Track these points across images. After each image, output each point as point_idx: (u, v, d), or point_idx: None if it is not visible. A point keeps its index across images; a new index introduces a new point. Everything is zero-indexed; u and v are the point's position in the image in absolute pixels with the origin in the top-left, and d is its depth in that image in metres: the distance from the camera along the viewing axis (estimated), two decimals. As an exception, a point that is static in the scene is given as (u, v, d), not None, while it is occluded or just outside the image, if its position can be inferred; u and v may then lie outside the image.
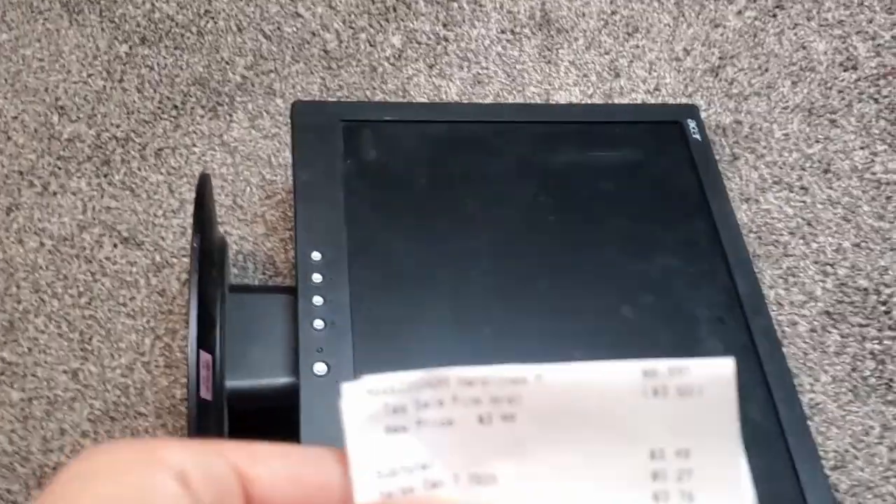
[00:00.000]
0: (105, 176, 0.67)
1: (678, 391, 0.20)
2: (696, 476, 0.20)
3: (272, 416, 0.53)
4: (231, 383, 0.51)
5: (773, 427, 0.53)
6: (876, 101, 0.72)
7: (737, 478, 0.20)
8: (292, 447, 0.22)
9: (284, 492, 0.21)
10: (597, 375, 0.20)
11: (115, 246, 0.64)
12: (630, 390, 0.20)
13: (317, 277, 0.53)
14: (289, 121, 0.62)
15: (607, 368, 0.20)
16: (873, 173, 0.68)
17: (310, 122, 0.61)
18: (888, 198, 0.67)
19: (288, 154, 0.66)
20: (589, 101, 0.72)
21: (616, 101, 0.72)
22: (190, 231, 0.60)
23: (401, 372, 0.21)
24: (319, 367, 0.50)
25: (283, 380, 0.51)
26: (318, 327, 0.52)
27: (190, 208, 0.63)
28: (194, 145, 0.68)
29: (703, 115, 0.67)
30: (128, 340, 0.59)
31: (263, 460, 0.21)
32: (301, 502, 0.21)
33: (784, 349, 0.59)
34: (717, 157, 0.67)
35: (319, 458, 0.22)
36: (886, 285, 0.63)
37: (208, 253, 0.52)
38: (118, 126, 0.69)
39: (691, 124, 0.66)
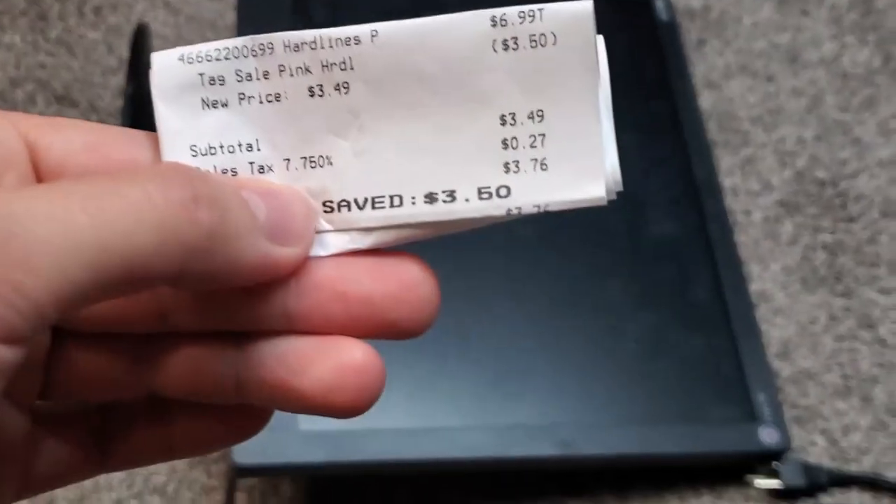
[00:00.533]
0: (41, 31, 0.63)
1: (530, 41, 0.18)
2: (550, 142, 0.18)
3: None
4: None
5: (718, 312, 0.53)
6: (848, -8, 0.70)
7: (595, 142, 0.18)
8: (99, 124, 0.20)
9: (80, 163, 0.19)
10: (440, 27, 0.18)
11: (49, 104, 0.61)
12: (477, 43, 0.18)
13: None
14: (235, -24, 0.59)
15: (451, 19, 0.18)
16: (840, 65, 0.66)
17: (257, -24, 0.57)
18: (853, 91, 0.65)
19: (233, 16, 0.63)
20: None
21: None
22: (125, 84, 0.58)
23: (220, 41, 0.19)
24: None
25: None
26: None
27: (127, 67, 0.60)
28: (136, 3, 0.65)
29: (670, -3, 0.64)
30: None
31: (59, 129, 0.19)
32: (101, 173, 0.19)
33: (736, 237, 0.58)
34: (684, 41, 0.65)
35: (128, 135, 0.20)
36: (844, 178, 0.61)
37: (140, 103, 0.49)
38: (56, -22, 0.65)
39: (659, 4, 0.63)
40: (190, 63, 0.19)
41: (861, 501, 0.51)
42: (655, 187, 0.56)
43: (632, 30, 0.62)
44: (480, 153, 0.18)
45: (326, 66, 0.18)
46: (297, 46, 0.19)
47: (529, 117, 0.18)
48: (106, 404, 0.21)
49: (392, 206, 0.19)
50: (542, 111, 0.18)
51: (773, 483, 0.50)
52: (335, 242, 0.19)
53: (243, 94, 0.19)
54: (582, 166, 0.18)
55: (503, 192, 0.18)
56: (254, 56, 0.19)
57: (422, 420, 0.46)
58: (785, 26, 0.68)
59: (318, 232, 0.19)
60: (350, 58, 0.18)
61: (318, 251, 0.19)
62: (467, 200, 0.18)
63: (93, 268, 0.15)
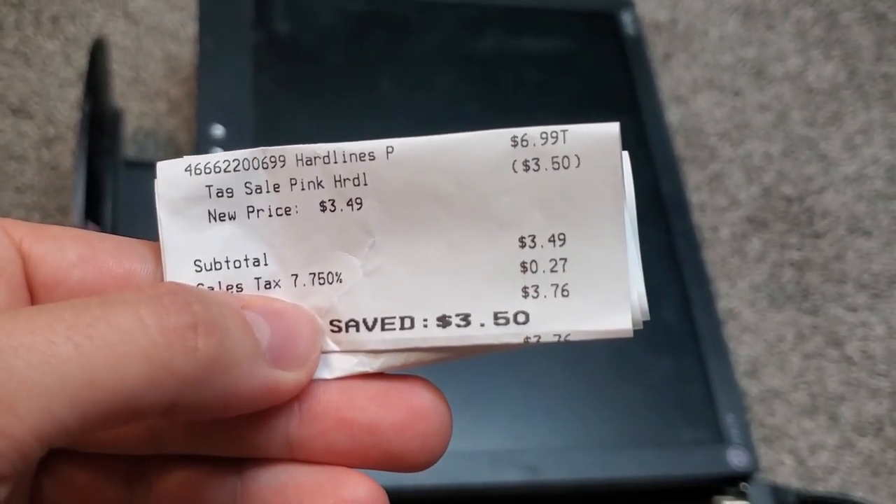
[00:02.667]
0: (-4, 41, 0.62)
1: (552, 162, 0.17)
2: (572, 266, 0.17)
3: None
4: (122, 263, 0.47)
5: (686, 330, 0.52)
6: (813, 6, 0.70)
7: (622, 267, 0.17)
8: (96, 233, 0.19)
9: (74, 276, 0.18)
10: (458, 146, 0.17)
11: (5, 116, 0.59)
12: (497, 163, 0.17)
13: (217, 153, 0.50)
14: (197, -12, 0.58)
15: (470, 137, 0.17)
16: (805, 80, 0.66)
17: (218, -12, 0.56)
18: (819, 106, 0.65)
19: (195, 28, 0.62)
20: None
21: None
22: (82, 101, 0.56)
23: (230, 151, 0.18)
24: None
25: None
26: (217, 206, 0.49)
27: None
28: (94, 13, 0.63)
29: (638, 10, 0.64)
30: (16, 216, 0.55)
31: (54, 239, 0.18)
32: (95, 291, 0.18)
33: (704, 254, 0.57)
34: (650, 55, 0.65)
35: (126, 245, 0.18)
36: (810, 194, 0.61)
37: (100, 121, 0.48)
38: (11, -13, 0.64)
39: (625, 18, 0.63)
40: (198, 174, 0.18)
41: (828, 521, 0.51)
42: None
43: (598, 44, 0.62)
44: (498, 276, 0.17)
45: (339, 181, 0.18)
46: (310, 160, 0.18)
47: (550, 241, 0.17)
48: None
49: (403, 328, 0.18)
50: (563, 235, 0.17)
51: (741, 504, 0.49)
52: (341, 365, 0.18)
53: (252, 206, 0.18)
54: (607, 295, 0.17)
55: (521, 318, 0.17)
56: (264, 168, 0.18)
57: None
58: (750, 40, 0.68)
59: (324, 352, 0.18)
60: (364, 173, 0.18)
61: (323, 373, 0.18)
62: (482, 325, 0.17)
63: (79, 405, 0.14)
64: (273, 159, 0.18)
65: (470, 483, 0.45)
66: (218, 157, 0.18)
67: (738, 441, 0.49)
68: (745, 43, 0.68)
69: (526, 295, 0.17)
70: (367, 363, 0.18)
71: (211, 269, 0.18)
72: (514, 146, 0.17)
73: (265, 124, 0.52)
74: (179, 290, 0.16)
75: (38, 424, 0.14)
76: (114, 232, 0.47)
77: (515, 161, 0.17)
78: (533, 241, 0.17)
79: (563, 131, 0.17)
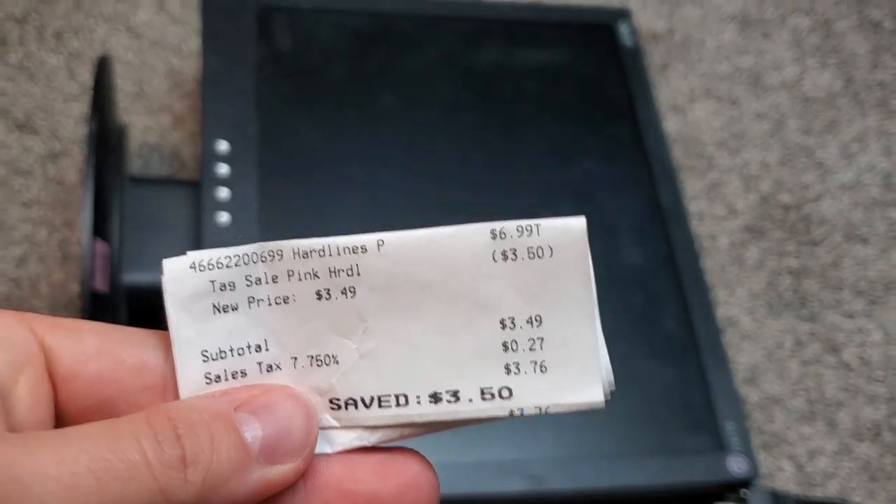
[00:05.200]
0: (0, 57, 0.62)
1: (528, 253, 0.19)
2: (548, 345, 0.19)
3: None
4: (130, 278, 0.48)
5: (686, 338, 0.53)
6: (809, 15, 0.71)
7: (592, 345, 0.19)
8: (110, 325, 0.20)
9: (92, 367, 0.19)
10: (443, 240, 0.19)
11: (10, 131, 0.60)
12: (478, 254, 0.19)
13: (222, 168, 0.50)
14: (199, 3, 0.58)
15: (453, 232, 0.19)
16: (802, 89, 0.67)
17: (221, 4, 0.57)
18: (815, 115, 0.66)
19: (198, 41, 0.62)
20: (518, 0, 0.69)
21: (546, 0, 0.70)
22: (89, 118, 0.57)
23: (230, 247, 0.20)
24: (223, 264, 0.48)
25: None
26: (223, 221, 0.49)
27: (90, 96, 0.59)
28: (97, 28, 0.64)
29: (635, 21, 0.65)
30: (22, 231, 0.56)
31: (72, 332, 0.20)
32: (111, 381, 0.20)
33: (702, 262, 0.58)
34: (647, 65, 0.65)
35: (138, 337, 0.20)
36: (807, 202, 0.62)
37: (106, 138, 0.48)
38: (16, 4, 0.64)
39: (623, 29, 0.64)
40: (201, 271, 0.19)
41: (828, 527, 0.52)
42: (622, 214, 0.56)
43: (595, 55, 0.63)
44: (482, 355, 0.19)
45: (334, 272, 0.19)
46: (306, 253, 0.19)
47: (528, 322, 0.19)
48: None
49: (398, 405, 0.19)
50: (540, 317, 0.19)
51: (741, 511, 0.50)
52: (341, 440, 0.20)
53: (253, 297, 0.20)
54: (580, 370, 0.19)
55: (505, 393, 0.19)
56: (263, 262, 0.19)
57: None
58: (747, 49, 0.69)
59: (324, 428, 0.20)
60: (357, 265, 0.19)
61: (324, 448, 0.20)
62: (471, 401, 0.19)
63: None
64: (271, 253, 0.19)
65: (475, 492, 0.46)
66: (220, 252, 0.19)
67: (738, 448, 0.50)
68: (742, 52, 0.68)
69: (508, 371, 0.19)
70: (366, 437, 0.20)
71: (217, 359, 0.20)
72: (494, 238, 0.19)
73: (269, 139, 0.53)
74: (166, 420, 0.18)
75: None
76: (122, 247, 0.47)
77: (495, 251, 0.19)
78: (513, 322, 0.19)
79: (537, 225, 0.19)
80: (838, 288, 0.59)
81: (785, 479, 0.53)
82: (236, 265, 0.19)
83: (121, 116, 0.58)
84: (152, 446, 0.17)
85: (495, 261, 0.19)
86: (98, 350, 0.19)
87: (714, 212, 0.61)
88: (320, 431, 0.20)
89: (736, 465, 0.49)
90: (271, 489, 0.18)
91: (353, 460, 0.19)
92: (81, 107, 0.61)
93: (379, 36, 0.60)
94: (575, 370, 0.19)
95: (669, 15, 0.70)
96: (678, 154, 0.63)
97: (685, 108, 0.66)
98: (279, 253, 0.19)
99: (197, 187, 0.51)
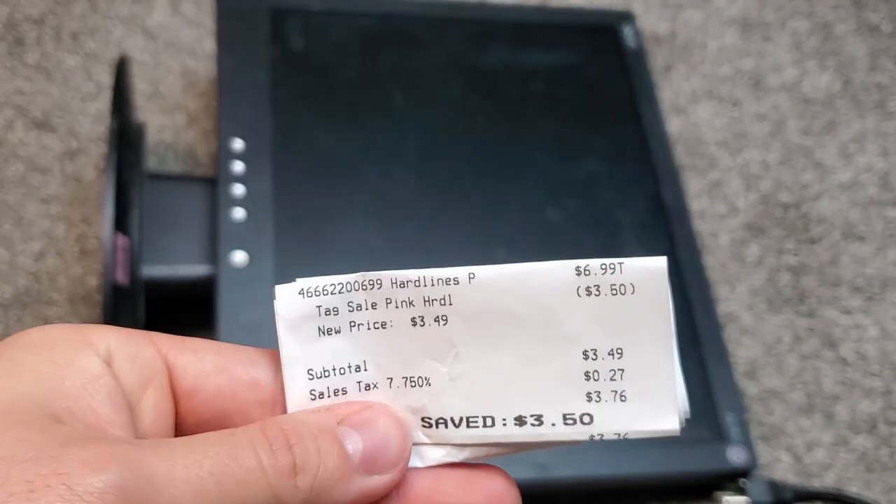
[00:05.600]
0: (18, 57, 0.64)
1: (611, 289, 0.20)
2: (628, 376, 0.20)
3: (191, 309, 0.52)
4: (149, 270, 0.49)
5: (687, 333, 0.54)
6: (808, 18, 0.72)
7: (669, 377, 0.20)
8: (226, 345, 0.22)
9: (212, 383, 0.21)
10: (531, 275, 0.20)
11: (29, 129, 0.61)
12: (563, 289, 0.20)
13: (238, 165, 0.52)
14: (213, 6, 0.60)
15: (541, 267, 0.20)
16: (801, 90, 0.69)
17: (235, 6, 0.58)
18: (814, 116, 0.67)
19: (211, 43, 0.64)
20: (524, 3, 0.71)
21: (552, 3, 0.71)
22: (108, 117, 0.58)
23: (335, 275, 0.21)
24: (239, 258, 0.49)
25: (201, 269, 0.50)
26: (238, 216, 0.51)
27: (107, 94, 0.61)
28: (113, 29, 0.65)
29: (639, 23, 0.66)
30: (40, 226, 0.57)
31: (194, 351, 0.22)
32: (228, 396, 0.21)
33: (704, 259, 0.60)
34: (651, 67, 0.67)
35: (251, 356, 0.22)
36: (807, 201, 0.64)
37: (126, 136, 0.50)
38: (33, 5, 0.66)
39: (626, 31, 0.65)
40: (309, 297, 0.21)
41: (825, 516, 0.53)
42: (626, 212, 0.58)
43: (600, 57, 0.64)
44: (565, 383, 0.20)
45: (428, 301, 0.21)
46: (403, 283, 0.21)
47: (610, 354, 0.20)
48: None
49: (485, 426, 0.21)
50: (621, 349, 0.20)
51: (740, 500, 0.51)
52: (432, 455, 0.21)
53: (354, 321, 0.21)
54: (657, 400, 0.20)
55: (586, 419, 0.20)
56: (364, 290, 0.21)
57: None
58: (748, 52, 0.70)
59: (416, 444, 0.21)
60: (449, 295, 0.21)
61: (416, 462, 0.21)
62: (553, 425, 0.20)
63: None
64: (371, 282, 0.21)
65: (482, 480, 0.47)
66: (326, 280, 0.21)
67: (738, 439, 0.51)
68: (743, 54, 0.70)
69: (590, 399, 0.20)
70: (454, 454, 0.21)
71: (321, 377, 0.21)
72: (578, 275, 0.20)
73: (283, 137, 0.54)
74: (280, 431, 0.20)
75: None
76: (142, 241, 0.49)
77: (579, 287, 0.20)
78: (595, 354, 0.20)
79: (620, 264, 0.20)
80: (836, 285, 0.61)
81: (783, 469, 0.54)
82: (340, 292, 0.21)
83: (137, 115, 0.60)
84: (267, 454, 0.19)
85: (579, 296, 0.20)
86: (216, 368, 0.21)
87: (715, 210, 0.63)
88: (413, 447, 0.21)
89: (735, 456, 0.51)
90: (369, 498, 0.20)
91: (442, 475, 0.21)
92: (98, 106, 0.62)
93: (388, 37, 0.61)
94: (653, 400, 0.20)
95: (672, 18, 0.71)
96: (680, 153, 0.65)
97: (687, 108, 0.67)
98: (378, 282, 0.21)
99: (213, 184, 0.52)
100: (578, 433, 0.20)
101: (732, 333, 0.58)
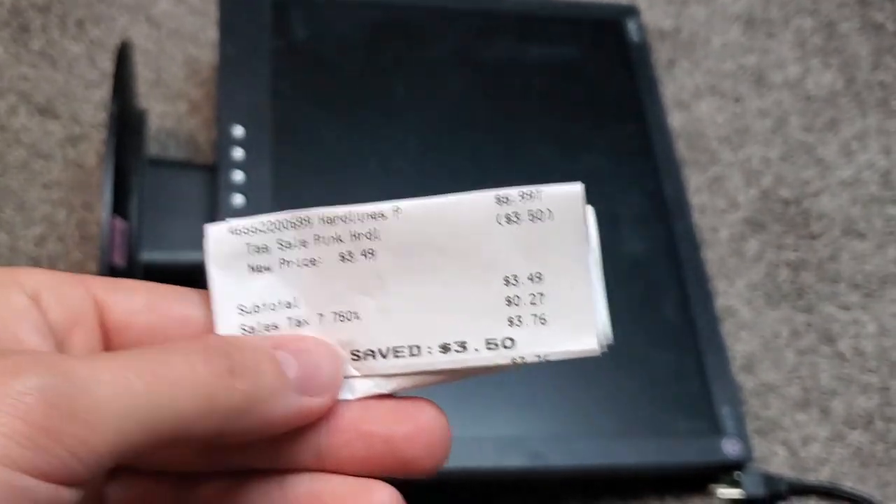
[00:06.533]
0: (23, 44, 0.64)
1: (530, 216, 0.20)
2: (548, 300, 0.21)
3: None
4: (148, 256, 0.50)
5: (686, 326, 0.54)
6: (812, 16, 0.72)
7: (587, 300, 0.20)
8: (158, 284, 0.22)
9: (142, 321, 0.21)
10: (452, 206, 0.21)
11: (32, 116, 0.61)
12: (484, 218, 0.21)
13: (238, 152, 0.52)
14: (218, -6, 0.60)
15: (463, 198, 0.21)
16: (804, 87, 0.69)
17: (239, -5, 0.59)
18: (816, 113, 0.67)
19: (215, 31, 0.64)
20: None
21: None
22: (109, 102, 0.58)
23: (265, 214, 0.22)
24: (237, 243, 0.49)
25: (200, 255, 0.50)
26: (238, 203, 0.51)
27: (111, 81, 0.61)
28: (118, 17, 0.66)
29: (643, 18, 0.66)
30: (42, 211, 0.58)
31: (125, 290, 0.22)
32: (159, 333, 0.21)
33: (703, 254, 0.60)
34: (654, 62, 0.67)
35: (183, 293, 0.22)
36: (807, 197, 0.64)
37: (126, 121, 0.50)
38: (39, -9, 0.66)
39: (630, 26, 0.65)
40: (239, 235, 0.22)
41: (819, 510, 0.53)
42: (627, 206, 0.58)
43: (603, 51, 0.64)
44: (488, 309, 0.21)
45: (355, 236, 0.21)
46: (331, 220, 0.21)
47: (530, 279, 0.21)
48: None
49: (411, 355, 0.21)
50: (540, 274, 0.21)
51: (735, 493, 0.51)
52: (361, 387, 0.22)
53: (284, 259, 0.22)
54: (576, 322, 0.21)
55: (508, 343, 0.21)
56: (293, 228, 0.21)
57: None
58: (752, 48, 0.70)
59: (347, 377, 0.22)
60: (376, 229, 0.21)
61: (346, 395, 0.22)
62: (477, 350, 0.21)
63: (145, 428, 0.17)
64: (300, 220, 0.21)
65: (476, 467, 0.48)
66: (255, 219, 0.22)
67: (733, 432, 0.51)
68: (747, 51, 0.70)
69: (511, 324, 0.21)
70: (383, 385, 0.22)
71: (252, 313, 0.22)
72: (499, 203, 0.21)
73: (283, 125, 0.54)
74: (220, 341, 0.20)
75: (112, 441, 0.17)
76: (139, 225, 0.49)
77: (499, 215, 0.20)
78: (515, 279, 0.21)
79: (539, 191, 0.20)
80: (835, 281, 0.61)
81: (779, 463, 0.54)
82: (269, 230, 0.22)
83: (139, 102, 0.60)
84: (202, 359, 0.19)
85: (500, 224, 0.20)
86: (147, 306, 0.22)
87: (716, 205, 0.63)
88: (343, 380, 0.22)
89: (730, 448, 0.51)
90: (303, 418, 0.20)
91: (371, 405, 0.21)
92: (101, 93, 0.62)
93: (391, 28, 0.61)
94: (571, 322, 0.20)
95: (677, 14, 0.71)
96: (682, 148, 0.65)
97: (690, 104, 0.67)
98: (307, 220, 0.21)
99: (213, 170, 0.53)
100: (501, 357, 0.21)
101: (730, 327, 0.58)
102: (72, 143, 0.60)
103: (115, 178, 0.47)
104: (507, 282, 0.21)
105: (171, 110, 0.63)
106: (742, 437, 0.52)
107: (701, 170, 0.64)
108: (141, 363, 0.18)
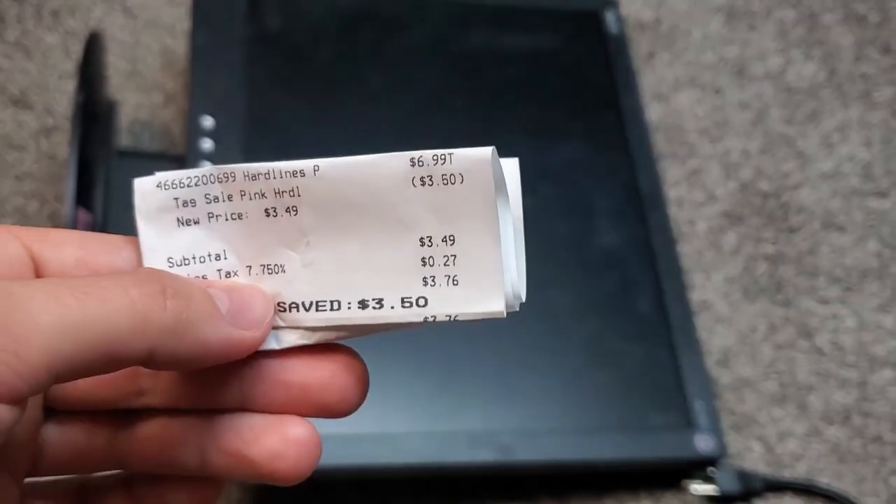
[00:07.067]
0: (-2, 34, 0.64)
1: (443, 179, 0.21)
2: (460, 262, 0.21)
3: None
4: (114, 248, 0.49)
5: (659, 320, 0.54)
6: (795, 8, 0.72)
7: (497, 262, 0.21)
8: (89, 234, 0.23)
9: (74, 274, 0.22)
10: (369, 166, 0.21)
11: (6, 106, 0.61)
12: (399, 179, 0.21)
13: (206, 143, 0.52)
14: (191, -16, 0.59)
15: (379, 159, 0.21)
16: (785, 79, 0.68)
17: (212, -16, 0.58)
18: (797, 105, 0.67)
19: (190, 21, 0.63)
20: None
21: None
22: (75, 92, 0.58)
23: (191, 169, 0.22)
24: (205, 236, 0.49)
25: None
26: (206, 195, 0.50)
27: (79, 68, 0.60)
28: (94, 7, 0.65)
29: (622, 10, 0.66)
30: (14, 203, 0.57)
31: (56, 244, 0.22)
32: None
33: (680, 247, 0.59)
34: (633, 53, 0.66)
35: (113, 245, 0.23)
36: (787, 190, 0.63)
37: (93, 111, 0.49)
38: (13, -19, 0.65)
39: (609, 17, 0.65)
40: (166, 189, 0.22)
41: (794, 506, 0.53)
42: (601, 198, 0.57)
43: (581, 42, 0.63)
44: (403, 268, 0.21)
45: (278, 193, 0.22)
46: (254, 176, 0.22)
47: (443, 240, 0.21)
48: (84, 482, 0.24)
49: (332, 309, 0.22)
50: (453, 236, 0.21)
51: (709, 489, 0.51)
52: (287, 339, 0.22)
53: (211, 213, 0.22)
54: (485, 284, 0.21)
55: (421, 301, 0.21)
56: (219, 182, 0.22)
57: (363, 426, 0.47)
58: (733, 40, 0.70)
59: (274, 328, 0.22)
60: (297, 187, 0.22)
61: (272, 345, 0.22)
62: (392, 308, 0.22)
63: (78, 343, 0.18)
64: (225, 175, 0.22)
65: (446, 462, 0.47)
66: (182, 174, 0.22)
67: (706, 427, 0.51)
68: (728, 42, 0.69)
69: (425, 284, 0.21)
70: (307, 337, 0.22)
71: (181, 265, 0.22)
72: (413, 166, 0.21)
73: (255, 116, 0.54)
74: (153, 271, 0.21)
75: (47, 356, 0.17)
76: (106, 217, 0.49)
77: (414, 178, 0.21)
78: (430, 241, 0.21)
79: (450, 154, 0.21)
80: (814, 274, 0.60)
81: (754, 459, 0.54)
82: (196, 185, 0.22)
83: (113, 93, 0.60)
84: (133, 281, 0.19)
85: (415, 186, 0.21)
86: (78, 261, 0.22)
87: (693, 198, 0.62)
88: (271, 330, 0.22)
89: (703, 443, 0.50)
90: (235, 349, 0.21)
91: (290, 356, 0.22)
92: (76, 84, 0.62)
93: (367, 17, 0.61)
94: (481, 284, 0.21)
95: (657, 5, 0.71)
96: (660, 141, 0.64)
97: (669, 96, 0.66)
98: (232, 175, 0.22)
99: (182, 161, 0.52)
100: (414, 315, 0.21)
101: (706, 321, 0.57)
102: (45, 134, 0.60)
103: (81, 169, 0.47)
104: (422, 243, 0.21)
105: (146, 101, 0.62)
106: (716, 432, 0.51)
107: (679, 162, 0.64)
108: (73, 283, 0.18)
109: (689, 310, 0.55)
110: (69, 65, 0.63)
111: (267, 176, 0.21)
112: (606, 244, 0.56)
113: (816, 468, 0.54)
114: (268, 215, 0.22)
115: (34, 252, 0.22)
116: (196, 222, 0.22)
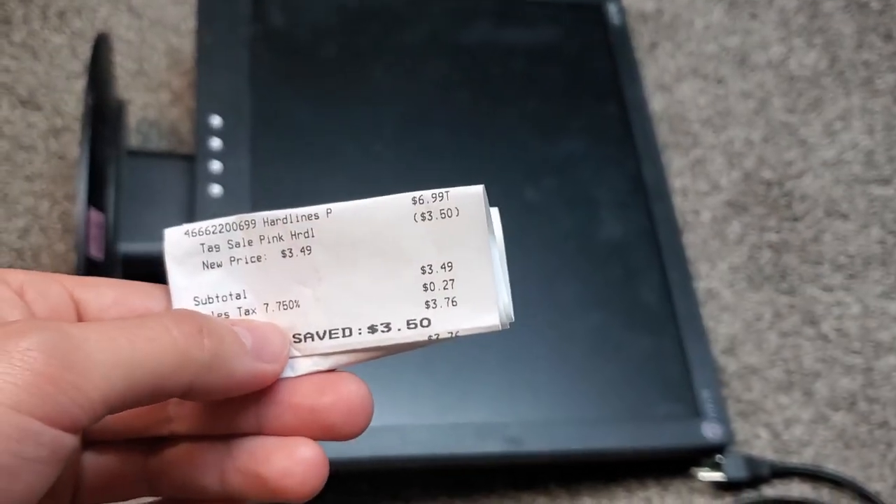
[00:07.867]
0: (5, 35, 0.64)
1: (441, 214, 0.24)
2: (457, 285, 0.24)
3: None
4: (125, 247, 0.50)
5: (665, 311, 0.55)
6: (797, -4, 0.72)
7: (490, 283, 0.24)
8: (123, 280, 0.25)
9: (112, 314, 0.24)
10: (375, 207, 0.24)
11: (14, 107, 0.61)
12: (402, 217, 0.24)
13: (215, 142, 0.52)
14: (196, -17, 0.60)
15: (384, 200, 0.24)
16: (787, 68, 0.68)
17: (216, -17, 0.59)
18: (800, 93, 0.67)
19: (196, 21, 0.64)
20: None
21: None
22: (85, 93, 0.58)
23: (217, 218, 0.25)
24: (215, 233, 0.50)
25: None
26: (216, 193, 0.51)
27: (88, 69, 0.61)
28: (99, 7, 0.66)
29: (624, 1, 0.66)
30: (25, 203, 0.58)
31: (94, 286, 0.25)
32: None
33: (685, 237, 0.60)
34: (636, 44, 0.67)
35: (146, 289, 0.25)
36: (790, 178, 0.64)
37: (102, 112, 0.50)
38: (19, -17, 0.66)
39: (611, 9, 0.65)
40: (194, 236, 0.25)
41: (801, 492, 0.53)
42: (606, 190, 0.58)
43: (584, 34, 0.64)
44: (407, 295, 0.24)
45: (294, 235, 0.24)
46: (273, 222, 0.25)
47: (442, 267, 0.24)
48: None
49: (344, 335, 0.25)
50: (451, 263, 0.24)
51: (716, 475, 0.52)
52: (302, 366, 0.25)
53: (233, 257, 0.25)
54: (480, 303, 0.24)
55: (425, 322, 0.24)
56: (241, 229, 0.25)
57: (374, 419, 0.47)
58: (735, 29, 0.70)
59: (290, 358, 0.25)
60: (311, 228, 0.24)
61: (288, 373, 0.25)
62: (399, 330, 0.24)
63: (130, 378, 0.20)
64: (247, 223, 0.25)
65: (456, 453, 0.48)
66: (208, 223, 0.25)
67: (713, 415, 0.51)
68: (730, 32, 0.70)
69: (428, 306, 0.24)
70: (321, 363, 0.25)
71: (206, 303, 0.25)
72: (414, 204, 0.24)
73: (262, 114, 0.54)
74: (189, 312, 0.23)
75: (104, 390, 0.20)
76: (118, 217, 0.49)
77: (415, 214, 0.24)
78: (430, 268, 0.24)
79: (447, 192, 0.24)
80: (818, 262, 0.61)
81: (761, 446, 0.54)
82: (220, 232, 0.25)
83: (121, 93, 0.60)
84: (175, 322, 0.22)
85: (416, 221, 0.24)
86: (114, 301, 0.25)
87: (698, 188, 0.63)
88: (287, 359, 0.25)
89: (710, 431, 0.51)
90: (259, 379, 0.24)
91: (302, 381, 0.25)
92: (83, 84, 0.62)
93: (370, 14, 0.61)
94: (477, 303, 0.24)
95: (659, -5, 0.71)
96: (664, 131, 0.64)
97: (672, 86, 0.67)
98: (252, 222, 0.25)
99: (191, 161, 0.53)
100: (419, 335, 0.24)
101: (712, 310, 0.58)
102: (54, 134, 0.60)
103: (92, 170, 0.47)
104: (423, 271, 0.24)
105: (153, 101, 0.63)
106: (723, 420, 0.52)
107: (683, 152, 0.64)
108: (122, 325, 0.21)
109: (695, 299, 0.55)
110: (76, 65, 0.63)
111: (285, 220, 0.24)
112: (611, 235, 0.56)
113: (823, 454, 0.54)
114: (284, 256, 0.25)
115: (75, 295, 0.24)
116: (219, 265, 0.25)
